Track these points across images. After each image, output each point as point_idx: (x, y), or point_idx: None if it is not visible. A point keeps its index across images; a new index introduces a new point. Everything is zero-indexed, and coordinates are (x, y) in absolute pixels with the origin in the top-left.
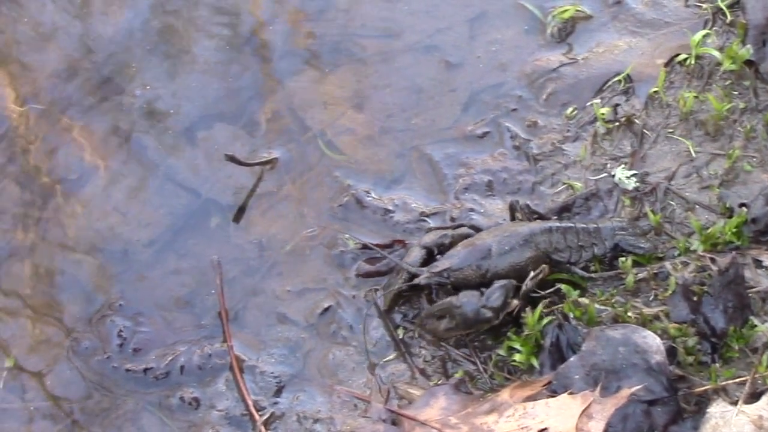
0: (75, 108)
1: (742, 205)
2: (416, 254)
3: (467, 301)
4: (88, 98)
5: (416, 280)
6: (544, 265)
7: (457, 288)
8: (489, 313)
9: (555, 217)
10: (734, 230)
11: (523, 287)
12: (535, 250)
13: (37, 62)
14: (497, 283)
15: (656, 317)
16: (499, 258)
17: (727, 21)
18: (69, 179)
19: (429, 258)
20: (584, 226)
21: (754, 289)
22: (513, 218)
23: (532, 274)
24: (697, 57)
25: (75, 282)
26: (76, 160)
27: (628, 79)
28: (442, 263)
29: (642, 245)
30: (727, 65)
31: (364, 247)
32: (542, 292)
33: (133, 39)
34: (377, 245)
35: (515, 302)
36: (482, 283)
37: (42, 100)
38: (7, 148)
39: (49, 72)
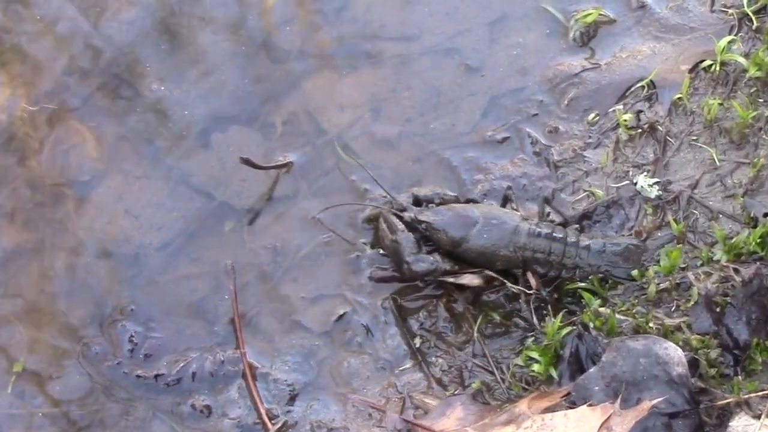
0: (87, 109)
1: (767, 214)
2: (405, 196)
3: (401, 246)
4: (100, 99)
5: (403, 214)
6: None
7: (426, 241)
8: (405, 269)
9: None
10: (758, 240)
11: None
12: (512, 253)
13: (48, 62)
14: (430, 259)
15: (678, 328)
16: (475, 240)
17: (754, 27)
18: (80, 181)
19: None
20: (574, 240)
21: None
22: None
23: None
24: (723, 63)
25: (85, 286)
26: (88, 162)
27: (652, 85)
28: (427, 215)
29: (629, 276)
30: (753, 72)
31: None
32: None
33: (147, 39)
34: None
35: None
36: (450, 252)
37: (53, 101)
38: (18, 149)
39: (60, 72)
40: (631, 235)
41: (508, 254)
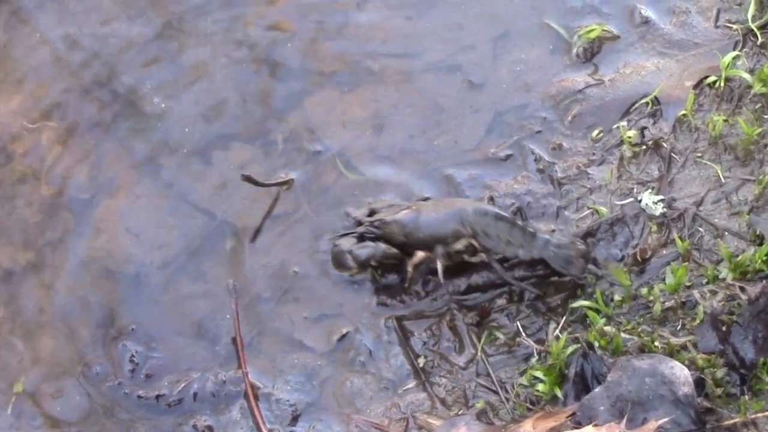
0: (88, 126)
1: None
2: (362, 210)
3: (341, 246)
4: (101, 116)
5: (357, 228)
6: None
7: (383, 240)
8: (350, 261)
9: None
10: (765, 258)
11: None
12: (461, 226)
13: (49, 79)
14: (371, 245)
15: (684, 347)
16: (424, 225)
17: (758, 42)
18: (80, 199)
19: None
20: (522, 225)
21: None
22: None
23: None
24: (727, 79)
25: (86, 305)
26: (89, 180)
27: (656, 101)
28: (378, 215)
29: (569, 270)
30: (758, 88)
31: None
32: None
33: (149, 57)
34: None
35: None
36: (405, 244)
37: (54, 118)
38: (19, 166)
39: (61, 89)
40: (635, 253)
41: (457, 228)
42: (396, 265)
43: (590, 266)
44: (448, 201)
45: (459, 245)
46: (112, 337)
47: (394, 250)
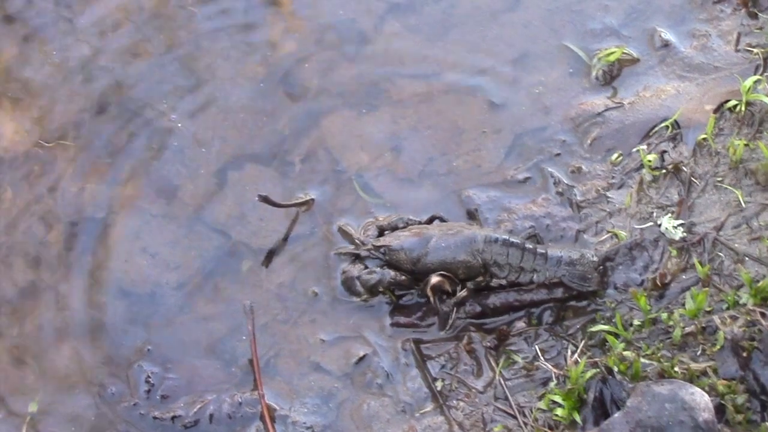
0: (103, 145)
1: None
2: (372, 231)
3: (350, 271)
4: (116, 136)
5: (358, 250)
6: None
7: (391, 267)
8: (359, 286)
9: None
10: None
11: (453, 298)
12: (471, 257)
13: (64, 99)
14: (378, 271)
15: (704, 373)
16: (433, 252)
17: None
18: (96, 218)
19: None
20: (532, 247)
21: None
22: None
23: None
24: (748, 103)
25: (101, 325)
26: (104, 199)
27: (676, 125)
28: (384, 240)
29: (585, 284)
30: None
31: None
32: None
33: (164, 76)
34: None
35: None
36: (413, 270)
37: (70, 137)
38: (34, 185)
39: (77, 109)
40: (654, 277)
41: (468, 260)
42: (411, 286)
43: (606, 280)
44: (456, 227)
45: (470, 283)
46: (128, 358)
47: (403, 277)
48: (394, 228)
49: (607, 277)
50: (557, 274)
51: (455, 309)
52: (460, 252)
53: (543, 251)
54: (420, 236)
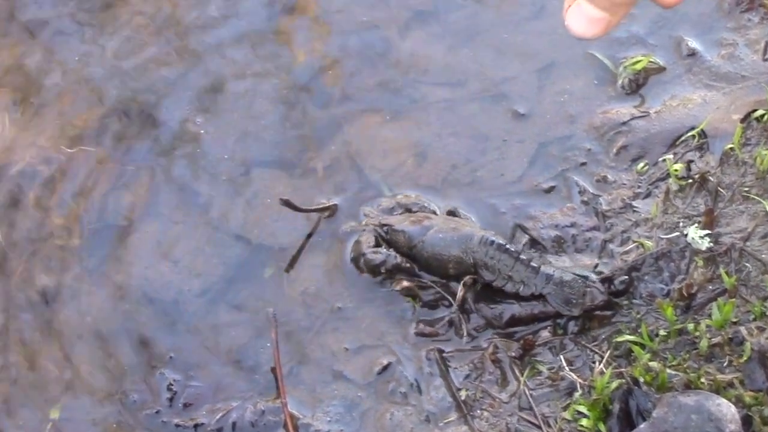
0: (125, 152)
1: None
2: (385, 205)
3: (361, 243)
4: (138, 143)
5: (364, 222)
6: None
7: (390, 245)
8: (362, 262)
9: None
10: None
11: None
12: (463, 254)
13: (87, 105)
14: (384, 252)
15: (731, 384)
16: (428, 242)
17: None
18: (118, 225)
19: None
20: (525, 258)
21: None
22: None
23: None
24: None
25: (124, 331)
26: (126, 205)
27: (703, 134)
28: (390, 219)
29: (567, 308)
30: None
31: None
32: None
33: (187, 82)
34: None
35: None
36: (408, 255)
37: (91, 143)
38: (55, 191)
39: (99, 115)
40: (680, 288)
41: (460, 256)
42: (413, 274)
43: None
44: (460, 223)
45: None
46: (150, 365)
47: (407, 266)
48: (406, 209)
49: (632, 288)
50: (543, 291)
51: (461, 312)
52: (453, 247)
53: (536, 265)
54: (422, 224)
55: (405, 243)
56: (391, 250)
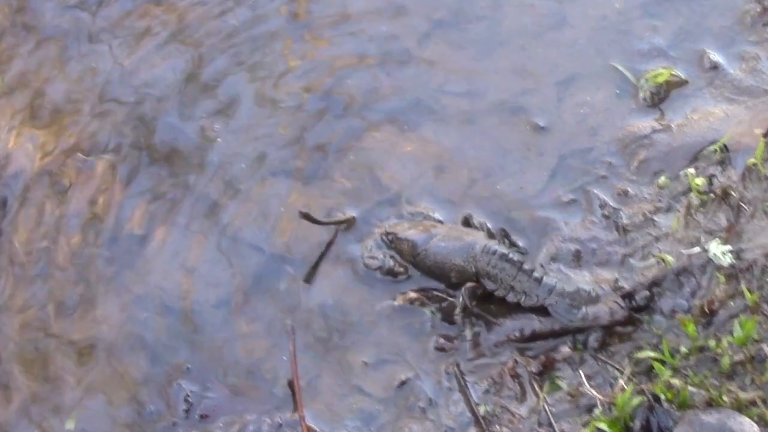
0: (143, 161)
1: None
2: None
3: (363, 246)
4: (156, 151)
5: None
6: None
7: (395, 252)
8: (362, 265)
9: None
10: None
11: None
12: (466, 263)
13: (103, 113)
14: (380, 257)
15: (753, 402)
16: (432, 251)
17: None
18: (135, 235)
19: None
20: (528, 269)
21: None
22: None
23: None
24: None
25: (141, 342)
26: (143, 214)
27: (725, 148)
28: (395, 227)
29: (568, 317)
30: None
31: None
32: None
33: (205, 91)
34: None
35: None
36: (412, 262)
37: (108, 152)
38: (72, 201)
39: (115, 123)
40: (702, 304)
41: (462, 264)
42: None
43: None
44: (464, 232)
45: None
46: (167, 376)
47: (401, 269)
48: (413, 219)
49: (653, 303)
50: (546, 302)
51: (465, 318)
52: (456, 256)
53: (538, 276)
54: (426, 232)
55: (409, 251)
56: (386, 254)
